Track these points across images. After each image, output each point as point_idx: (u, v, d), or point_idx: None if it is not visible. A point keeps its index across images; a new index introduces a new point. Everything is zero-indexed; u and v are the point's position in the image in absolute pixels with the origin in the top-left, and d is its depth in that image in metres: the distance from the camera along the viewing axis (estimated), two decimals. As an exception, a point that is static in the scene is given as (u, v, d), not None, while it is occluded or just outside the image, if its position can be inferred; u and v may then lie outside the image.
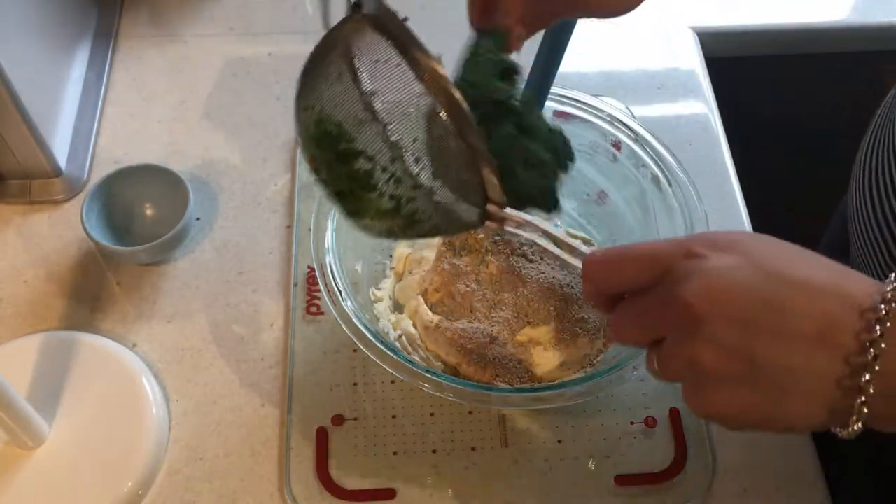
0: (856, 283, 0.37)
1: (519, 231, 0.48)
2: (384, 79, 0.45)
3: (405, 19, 0.45)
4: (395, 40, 0.44)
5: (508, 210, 0.47)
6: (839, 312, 0.36)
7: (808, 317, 0.36)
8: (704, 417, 0.39)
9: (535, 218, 0.48)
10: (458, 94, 0.44)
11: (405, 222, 0.47)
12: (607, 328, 0.43)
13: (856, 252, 0.62)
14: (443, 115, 0.44)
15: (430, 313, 0.64)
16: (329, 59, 0.46)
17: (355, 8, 0.46)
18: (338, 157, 0.47)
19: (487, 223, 0.48)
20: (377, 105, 0.45)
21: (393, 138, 0.45)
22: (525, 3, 0.52)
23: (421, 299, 0.65)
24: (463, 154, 0.45)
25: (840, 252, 0.42)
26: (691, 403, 0.39)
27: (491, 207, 0.47)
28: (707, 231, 0.40)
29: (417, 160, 0.45)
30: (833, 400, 0.37)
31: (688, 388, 0.39)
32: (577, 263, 0.46)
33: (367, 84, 0.45)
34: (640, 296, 0.41)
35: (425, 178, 0.46)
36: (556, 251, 0.48)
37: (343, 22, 0.47)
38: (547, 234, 0.48)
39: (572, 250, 0.46)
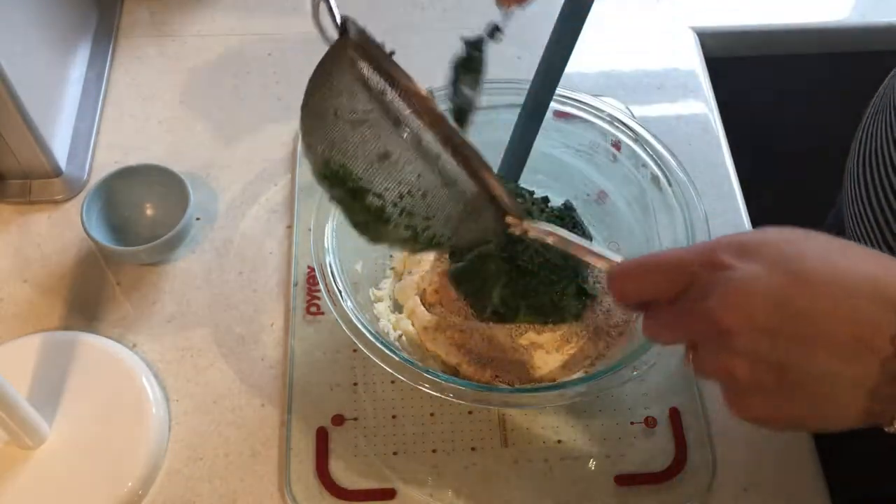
0: (894, 278, 0.36)
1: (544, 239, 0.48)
2: (377, 113, 0.45)
3: (391, 53, 0.46)
4: (379, 69, 0.45)
5: (527, 223, 0.48)
6: (874, 315, 0.35)
7: (840, 322, 0.35)
8: (744, 420, 0.39)
9: (558, 228, 0.48)
10: (444, 115, 0.44)
11: (426, 245, 0.49)
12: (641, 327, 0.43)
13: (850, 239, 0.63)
14: (436, 141, 0.45)
15: (427, 314, 0.64)
16: (323, 96, 0.47)
17: (342, 33, 0.46)
18: (349, 194, 0.47)
19: (510, 231, 0.48)
20: (376, 142, 0.45)
21: (396, 175, 0.46)
22: None
23: (418, 300, 0.65)
24: (467, 177, 0.45)
25: None
26: (728, 406, 0.39)
27: (510, 220, 0.48)
28: (732, 235, 0.40)
29: (424, 195, 0.46)
30: (870, 404, 0.36)
31: (724, 392, 0.39)
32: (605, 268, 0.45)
33: (362, 121, 0.45)
34: (668, 304, 0.40)
35: (436, 208, 0.46)
36: (583, 258, 0.47)
37: (332, 51, 0.47)
38: (570, 244, 0.47)
39: (598, 259, 0.46)
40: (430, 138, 0.45)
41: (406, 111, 0.44)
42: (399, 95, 0.44)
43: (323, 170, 0.48)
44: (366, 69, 0.45)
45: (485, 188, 0.47)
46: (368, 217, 0.48)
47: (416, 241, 0.48)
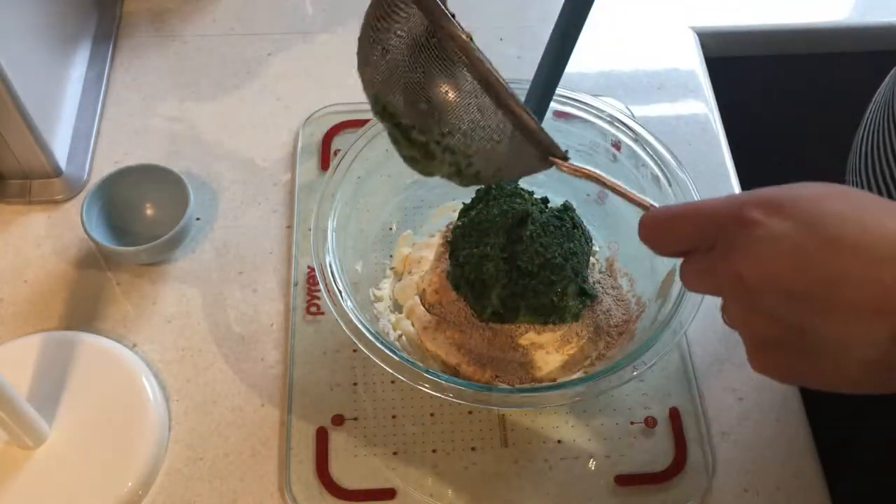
0: None
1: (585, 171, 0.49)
2: (422, 55, 0.46)
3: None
4: (426, 11, 0.45)
5: (570, 163, 0.48)
6: None
7: (864, 286, 0.35)
8: (764, 375, 0.40)
9: (598, 171, 0.48)
10: (487, 64, 0.45)
11: (471, 180, 0.50)
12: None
13: None
14: (476, 85, 0.46)
15: (427, 314, 0.64)
16: (373, 35, 0.48)
17: None
18: (398, 129, 0.50)
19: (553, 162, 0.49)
20: (421, 83, 0.47)
21: (438, 114, 0.47)
22: None
23: (417, 300, 0.65)
24: (507, 122, 0.46)
25: None
26: (750, 362, 0.40)
27: (553, 160, 0.48)
28: (766, 189, 0.39)
29: (465, 134, 0.48)
30: (887, 372, 0.36)
31: (746, 346, 0.40)
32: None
33: (407, 62, 0.47)
34: (699, 254, 0.41)
35: (477, 148, 0.48)
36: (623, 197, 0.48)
37: None
38: (609, 187, 0.48)
39: (637, 203, 0.46)
40: (470, 81, 0.46)
41: (450, 53, 0.46)
42: (442, 37, 0.45)
43: (374, 105, 0.50)
44: (413, 10, 0.46)
45: (524, 132, 0.47)
46: (415, 152, 0.50)
47: (460, 176, 0.50)
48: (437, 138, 0.48)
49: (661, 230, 0.42)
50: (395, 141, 0.51)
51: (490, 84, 0.45)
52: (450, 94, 0.47)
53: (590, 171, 0.47)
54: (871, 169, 0.61)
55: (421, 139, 0.49)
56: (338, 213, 0.63)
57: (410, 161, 0.51)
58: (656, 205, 0.44)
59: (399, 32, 0.46)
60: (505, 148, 0.48)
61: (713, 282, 0.40)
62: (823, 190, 0.38)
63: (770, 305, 0.37)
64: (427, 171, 0.51)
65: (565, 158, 0.48)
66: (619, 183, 0.47)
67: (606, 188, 0.47)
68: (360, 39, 0.49)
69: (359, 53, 0.50)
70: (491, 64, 0.45)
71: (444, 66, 0.46)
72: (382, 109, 0.49)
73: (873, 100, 0.66)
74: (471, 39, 0.46)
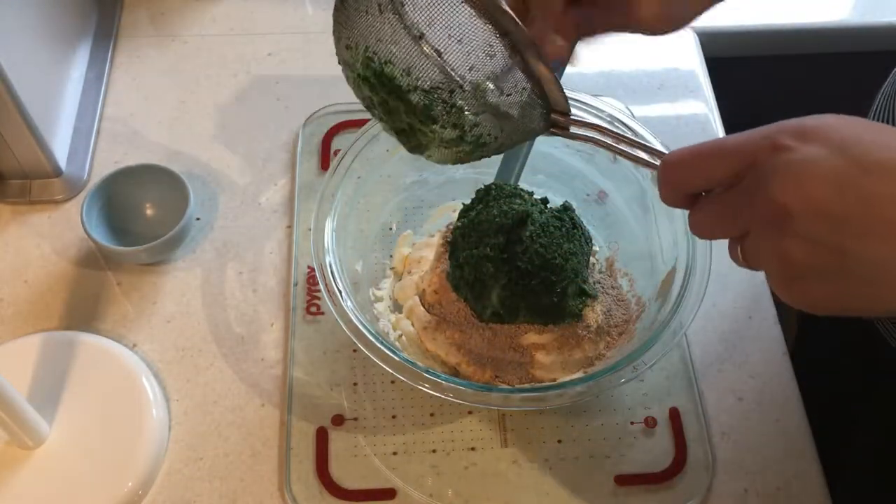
0: None
1: (586, 135, 0.47)
2: (427, 4, 0.43)
3: None
4: None
5: (574, 116, 0.46)
6: None
7: None
8: (794, 306, 0.39)
9: (601, 122, 0.47)
10: (503, 5, 0.42)
11: (472, 147, 0.47)
12: (687, 222, 0.43)
13: None
14: (491, 29, 0.42)
15: (426, 314, 0.64)
16: None
17: None
18: (393, 95, 0.45)
19: (553, 130, 0.47)
20: (426, 34, 0.43)
21: (448, 68, 0.43)
22: (565, 12, 0.49)
23: (417, 300, 0.65)
24: (519, 68, 0.43)
25: None
26: (780, 293, 0.39)
27: (555, 117, 0.46)
28: (792, 119, 0.39)
29: (476, 88, 0.44)
30: None
31: (776, 278, 0.39)
32: (655, 162, 0.44)
33: (410, 13, 0.43)
34: (723, 192, 0.40)
35: (489, 100, 0.44)
36: (631, 152, 0.46)
37: None
38: (617, 137, 0.46)
39: (648, 150, 0.45)
40: (482, 28, 0.42)
41: (461, 6, 0.42)
42: None
43: (364, 70, 0.46)
44: None
45: (536, 81, 0.44)
46: (413, 120, 0.46)
47: (461, 142, 0.46)
48: (445, 97, 0.44)
49: (686, 169, 0.41)
50: (387, 111, 0.46)
51: (505, 27, 0.42)
52: (459, 35, 0.42)
53: (594, 125, 0.45)
54: None
55: (423, 101, 0.44)
56: (338, 213, 0.63)
57: (404, 135, 0.47)
58: (663, 150, 0.43)
59: None
60: (515, 105, 0.44)
61: (741, 216, 0.39)
62: (849, 119, 0.38)
63: (808, 227, 0.36)
64: (419, 144, 0.47)
65: (567, 113, 0.45)
66: (627, 135, 0.45)
67: (616, 144, 0.46)
68: (345, 2, 0.45)
69: (339, 21, 0.46)
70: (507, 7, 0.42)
71: (450, 11, 0.42)
72: (376, 74, 0.45)
73: (881, 90, 0.65)
74: None
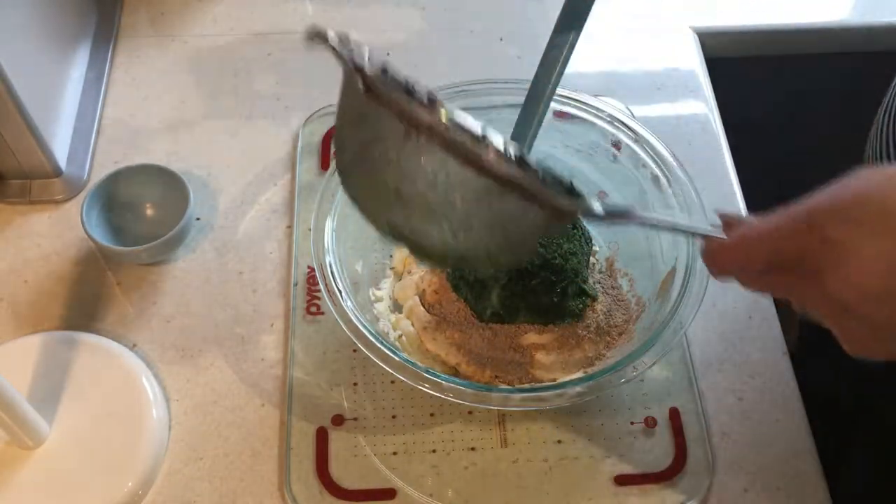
0: None
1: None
2: (404, 154, 0.43)
3: (384, 70, 0.43)
4: (392, 103, 0.42)
5: (598, 208, 0.44)
6: None
7: None
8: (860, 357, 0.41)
9: (635, 209, 0.46)
10: (459, 138, 0.41)
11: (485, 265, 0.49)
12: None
13: None
14: (460, 168, 0.42)
15: (426, 314, 0.64)
16: (353, 144, 0.45)
17: (367, 88, 0.43)
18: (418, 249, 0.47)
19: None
20: (414, 186, 0.43)
21: (437, 215, 0.44)
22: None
23: (417, 300, 0.65)
24: (508, 197, 0.42)
25: None
26: (844, 347, 0.40)
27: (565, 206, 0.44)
28: (827, 196, 0.38)
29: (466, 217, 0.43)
30: None
31: (839, 340, 0.40)
32: (697, 238, 0.45)
33: (395, 161, 0.43)
34: (773, 274, 0.41)
35: (479, 233, 0.44)
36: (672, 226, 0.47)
37: (346, 97, 0.46)
38: (654, 222, 0.47)
39: (691, 233, 0.46)
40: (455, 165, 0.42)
41: (431, 150, 0.42)
42: (417, 132, 0.42)
43: (380, 230, 0.47)
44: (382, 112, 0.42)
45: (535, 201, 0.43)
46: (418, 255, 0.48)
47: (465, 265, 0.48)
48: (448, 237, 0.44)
49: (729, 261, 0.42)
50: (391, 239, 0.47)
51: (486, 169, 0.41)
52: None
53: (622, 210, 0.45)
54: (892, 156, 0.61)
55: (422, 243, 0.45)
56: (338, 213, 0.63)
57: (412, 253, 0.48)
58: (712, 230, 0.44)
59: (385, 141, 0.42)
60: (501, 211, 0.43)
61: (793, 297, 0.41)
62: (880, 183, 0.38)
63: (868, 314, 0.37)
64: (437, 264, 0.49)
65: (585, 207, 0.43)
66: (664, 218, 0.46)
67: (650, 227, 0.46)
68: (346, 164, 0.46)
69: (349, 182, 0.47)
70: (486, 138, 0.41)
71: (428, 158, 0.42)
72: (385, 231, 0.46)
73: (883, 105, 0.65)
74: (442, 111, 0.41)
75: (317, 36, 0.45)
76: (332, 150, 0.49)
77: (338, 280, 0.59)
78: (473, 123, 0.42)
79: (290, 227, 0.74)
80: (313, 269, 0.70)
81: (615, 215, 0.45)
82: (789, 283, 0.41)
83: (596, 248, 0.68)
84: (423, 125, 0.41)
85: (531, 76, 0.63)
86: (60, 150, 0.75)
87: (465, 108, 0.68)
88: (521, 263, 0.51)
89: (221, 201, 0.76)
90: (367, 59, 0.45)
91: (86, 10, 0.85)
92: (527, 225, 0.44)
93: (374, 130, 0.44)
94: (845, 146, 0.71)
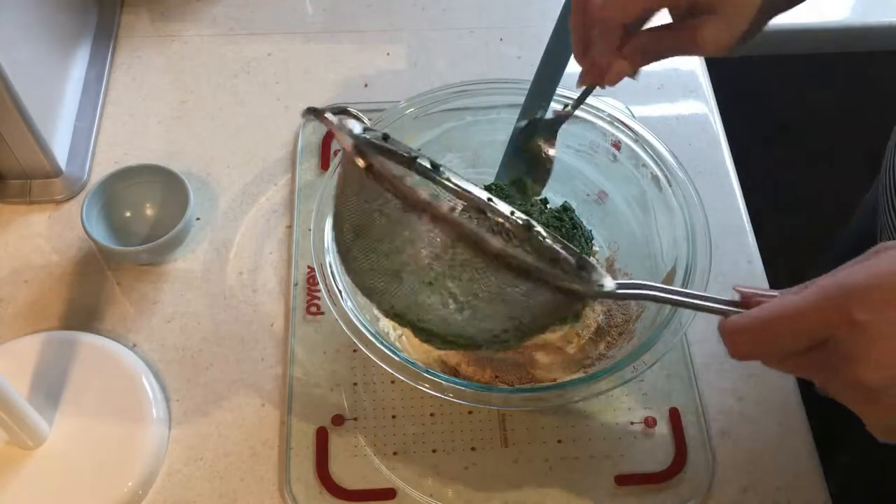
0: None
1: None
2: (406, 233, 0.43)
3: (385, 138, 0.43)
4: (390, 184, 0.42)
5: (610, 286, 0.44)
6: None
7: None
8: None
9: (648, 284, 0.46)
10: (464, 222, 0.42)
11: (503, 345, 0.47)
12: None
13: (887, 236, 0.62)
14: (462, 249, 0.42)
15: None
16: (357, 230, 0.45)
17: (367, 166, 0.43)
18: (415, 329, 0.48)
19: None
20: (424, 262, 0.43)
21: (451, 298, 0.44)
22: (626, 38, 0.52)
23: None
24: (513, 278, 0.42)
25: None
26: (872, 432, 0.39)
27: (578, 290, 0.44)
28: (860, 277, 0.37)
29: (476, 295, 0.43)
30: None
31: (867, 422, 0.39)
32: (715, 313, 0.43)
33: (398, 241, 0.43)
34: (799, 356, 0.39)
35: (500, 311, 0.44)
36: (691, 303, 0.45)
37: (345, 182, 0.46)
38: (668, 299, 0.46)
39: (708, 308, 0.43)
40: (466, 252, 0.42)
41: (439, 233, 0.42)
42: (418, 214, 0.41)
43: (389, 311, 0.48)
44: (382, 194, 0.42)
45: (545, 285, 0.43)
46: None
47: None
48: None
49: (753, 342, 0.39)
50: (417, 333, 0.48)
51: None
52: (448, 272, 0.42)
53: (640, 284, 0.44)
54: None
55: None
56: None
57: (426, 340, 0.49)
58: (732, 308, 0.42)
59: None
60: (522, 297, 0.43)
61: (820, 380, 0.39)
62: None
63: (894, 395, 0.36)
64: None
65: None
66: (681, 295, 0.44)
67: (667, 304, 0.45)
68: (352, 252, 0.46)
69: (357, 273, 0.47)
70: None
71: (432, 240, 0.42)
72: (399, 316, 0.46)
73: (890, 147, 0.65)
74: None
75: (313, 114, 0.45)
76: (332, 234, 0.49)
77: (338, 280, 0.59)
78: (479, 192, 0.42)
79: (290, 227, 0.74)
80: (313, 269, 0.70)
81: (629, 296, 0.44)
82: (814, 364, 0.39)
83: (596, 248, 0.68)
84: (420, 203, 0.41)
85: (531, 76, 0.63)
86: (60, 150, 0.75)
87: (465, 108, 0.69)
88: (530, 339, 0.50)
89: (221, 201, 0.76)
90: (364, 130, 0.44)
91: (86, 10, 0.85)
92: (537, 305, 0.43)
93: (376, 209, 0.43)
94: (845, 146, 0.71)
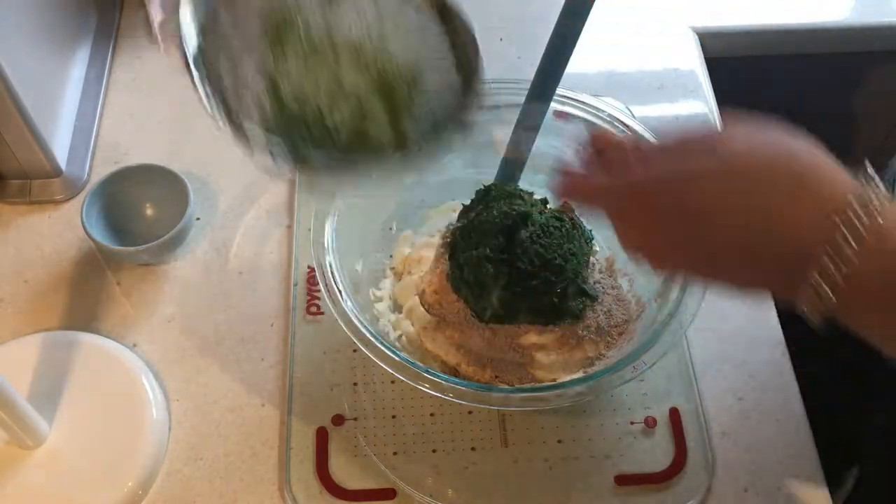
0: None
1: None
2: None
3: None
4: None
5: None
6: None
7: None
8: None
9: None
10: None
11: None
12: None
13: None
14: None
15: (426, 314, 0.64)
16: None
17: None
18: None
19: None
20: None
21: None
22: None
23: (417, 300, 0.65)
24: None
25: None
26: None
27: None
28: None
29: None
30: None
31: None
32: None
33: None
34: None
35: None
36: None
37: None
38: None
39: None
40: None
41: None
42: None
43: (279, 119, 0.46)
44: None
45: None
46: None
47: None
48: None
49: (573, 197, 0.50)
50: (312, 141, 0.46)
51: None
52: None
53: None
54: None
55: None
56: (338, 213, 0.63)
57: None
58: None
59: None
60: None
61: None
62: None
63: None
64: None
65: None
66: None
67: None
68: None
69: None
70: None
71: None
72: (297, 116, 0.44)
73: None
74: None
75: None
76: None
77: (338, 280, 0.59)
78: None
79: (290, 227, 0.74)
80: (313, 269, 0.70)
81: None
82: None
83: (596, 248, 0.68)
84: None
85: (531, 76, 0.63)
86: (60, 150, 0.75)
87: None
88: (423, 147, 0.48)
89: (221, 201, 0.76)
90: None
91: (86, 10, 0.85)
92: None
93: None
94: (846, 145, 0.71)
